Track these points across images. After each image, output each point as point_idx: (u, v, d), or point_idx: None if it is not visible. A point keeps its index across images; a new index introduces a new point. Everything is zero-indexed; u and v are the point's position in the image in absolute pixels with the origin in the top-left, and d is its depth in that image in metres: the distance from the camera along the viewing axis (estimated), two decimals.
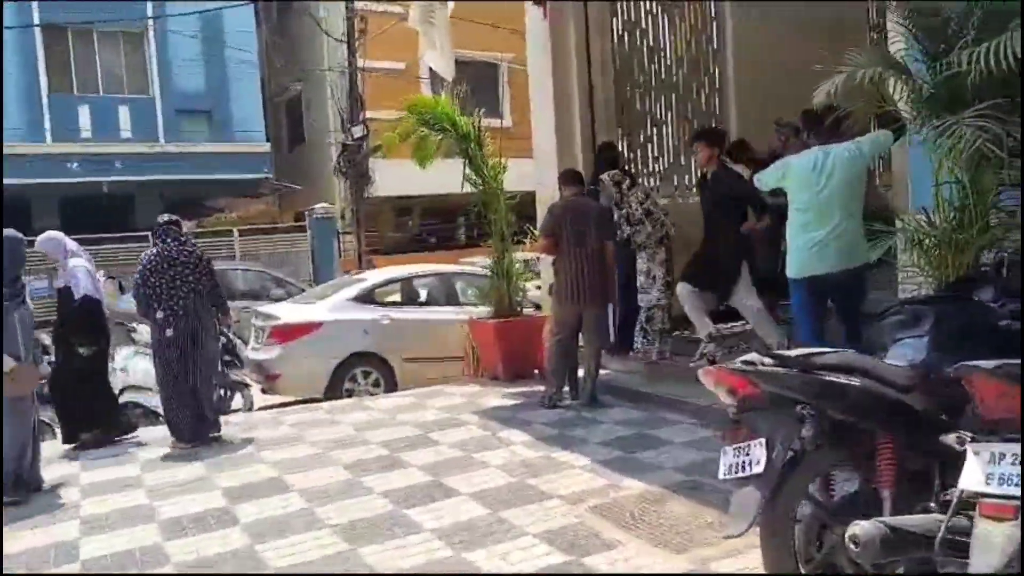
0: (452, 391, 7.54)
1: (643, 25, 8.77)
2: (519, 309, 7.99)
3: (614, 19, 8.50)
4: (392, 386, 8.40)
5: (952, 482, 2.66)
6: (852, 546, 2.43)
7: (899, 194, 4.68)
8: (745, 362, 2.71)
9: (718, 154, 6.45)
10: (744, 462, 2.63)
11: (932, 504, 2.63)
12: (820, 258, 4.77)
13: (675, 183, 8.98)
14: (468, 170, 8.04)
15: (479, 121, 8.07)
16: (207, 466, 5.48)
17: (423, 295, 9.48)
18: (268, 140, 19.27)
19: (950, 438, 2.39)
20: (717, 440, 2.73)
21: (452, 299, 9.45)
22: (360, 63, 16.68)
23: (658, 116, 8.91)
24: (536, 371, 7.83)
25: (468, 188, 8.06)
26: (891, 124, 4.65)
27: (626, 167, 8.01)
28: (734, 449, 2.69)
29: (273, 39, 19.42)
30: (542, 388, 7.12)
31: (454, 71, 8.62)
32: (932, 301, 3.14)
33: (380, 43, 16.76)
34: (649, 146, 8.79)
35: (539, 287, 9.12)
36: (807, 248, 4.80)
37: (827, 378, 2.65)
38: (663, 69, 8.95)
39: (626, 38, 8.64)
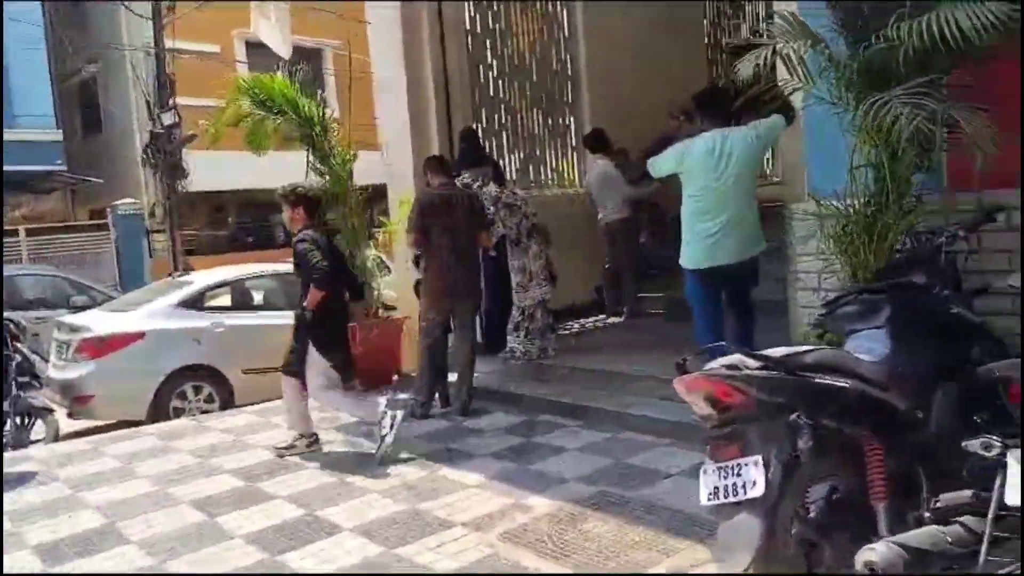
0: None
1: (495, 8, 8.36)
2: (375, 310, 7.33)
3: (467, 2, 8.02)
4: (228, 402, 7.46)
5: (942, 487, 2.44)
6: (868, 572, 2.11)
7: (793, 182, 4.55)
8: (728, 366, 2.32)
9: (304, 215, 5.24)
10: (735, 484, 2.24)
11: (927, 514, 2.38)
12: (717, 248, 4.55)
13: (531, 175, 8.67)
14: (312, 158, 7.28)
15: (323, 104, 7.33)
16: (11, 516, 4.42)
17: (259, 298, 8.53)
18: (59, 127, 17.01)
19: (974, 444, 2.12)
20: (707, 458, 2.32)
21: (293, 302, 8.58)
22: (168, 43, 15.05)
23: (513, 104, 8.54)
24: (396, 377, 7.22)
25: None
26: (785, 109, 4.53)
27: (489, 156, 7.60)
28: (719, 469, 2.30)
29: (61, 12, 17.18)
30: (405, 396, 6.56)
31: (291, 48, 7.81)
32: (883, 290, 2.92)
33: (191, 23, 15.22)
34: (504, 135, 8.39)
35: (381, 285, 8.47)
36: (703, 238, 4.57)
37: (819, 380, 2.32)
38: (516, 55, 8.59)
39: (479, 20, 8.19)
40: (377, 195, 8.20)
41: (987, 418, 2.45)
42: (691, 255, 4.64)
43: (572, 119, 9.02)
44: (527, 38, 8.65)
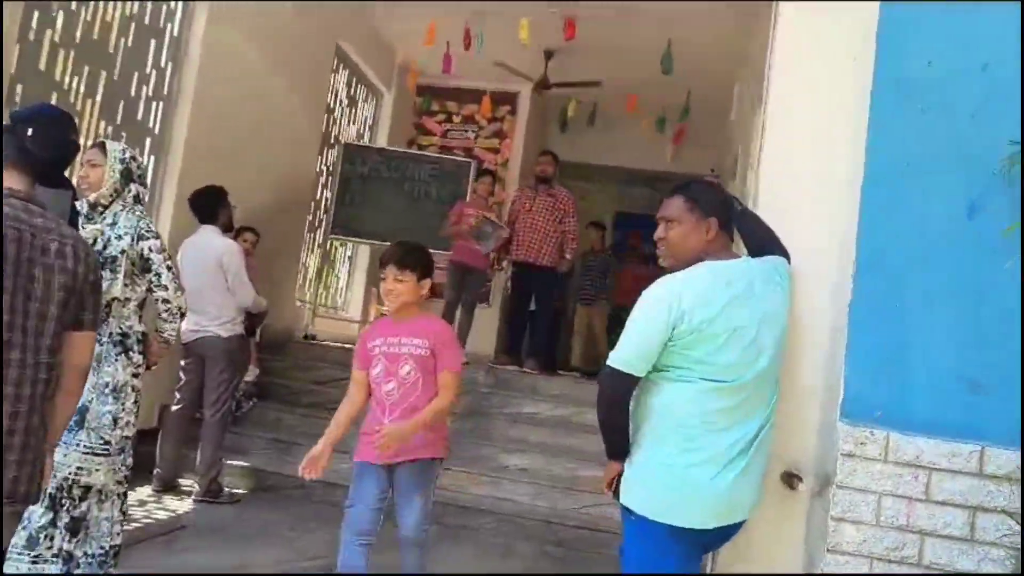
0: None
1: None
2: None
3: None
4: None
5: None
6: None
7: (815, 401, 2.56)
8: None
9: None
10: None
11: None
12: (736, 492, 2.27)
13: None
14: None
15: None
16: None
17: None
18: None
19: None
20: None
21: None
22: None
23: (72, 100, 4.92)
24: None
25: None
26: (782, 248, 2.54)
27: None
28: None
29: None
30: None
31: None
32: None
33: None
34: None
35: None
36: (719, 469, 2.22)
37: None
38: (92, 27, 5.06)
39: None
40: None
41: None
42: (683, 500, 2.23)
43: (155, 158, 5.64)
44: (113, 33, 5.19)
